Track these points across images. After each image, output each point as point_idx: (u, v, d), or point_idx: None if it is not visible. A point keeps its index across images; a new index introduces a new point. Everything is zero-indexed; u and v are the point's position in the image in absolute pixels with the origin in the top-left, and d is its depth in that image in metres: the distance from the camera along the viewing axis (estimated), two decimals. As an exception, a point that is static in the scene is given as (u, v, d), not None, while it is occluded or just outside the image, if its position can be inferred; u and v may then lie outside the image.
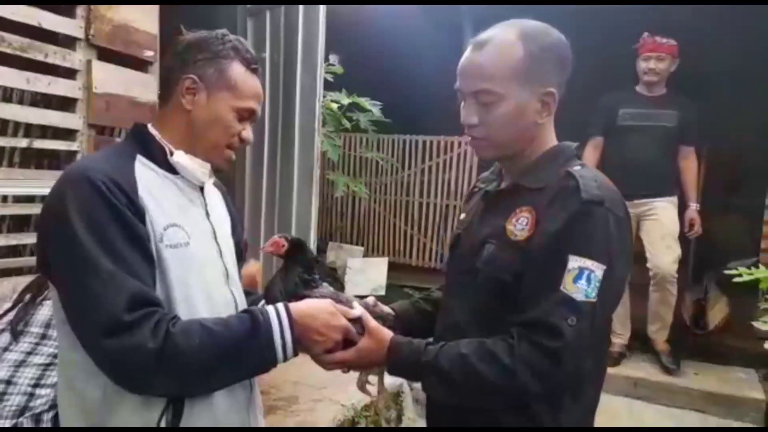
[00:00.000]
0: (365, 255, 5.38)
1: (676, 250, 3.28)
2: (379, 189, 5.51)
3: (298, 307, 1.06)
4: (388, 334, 1.12)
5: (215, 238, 1.15)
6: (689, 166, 3.41)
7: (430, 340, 1.13)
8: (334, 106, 4.21)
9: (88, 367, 0.95)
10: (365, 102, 4.24)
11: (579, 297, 0.96)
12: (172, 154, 1.09)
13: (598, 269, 0.96)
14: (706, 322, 3.61)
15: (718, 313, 3.62)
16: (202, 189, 1.16)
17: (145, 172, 1.05)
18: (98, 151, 1.13)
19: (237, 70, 1.10)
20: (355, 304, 1.16)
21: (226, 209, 1.29)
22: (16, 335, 1.48)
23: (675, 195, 3.41)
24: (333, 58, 4.08)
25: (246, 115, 1.12)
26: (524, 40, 1.04)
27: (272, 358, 1.01)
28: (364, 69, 4.51)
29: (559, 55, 1.08)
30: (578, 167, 1.06)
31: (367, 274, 4.96)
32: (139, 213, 0.98)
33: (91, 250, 0.91)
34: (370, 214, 5.59)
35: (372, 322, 1.13)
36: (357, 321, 1.12)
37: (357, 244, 5.51)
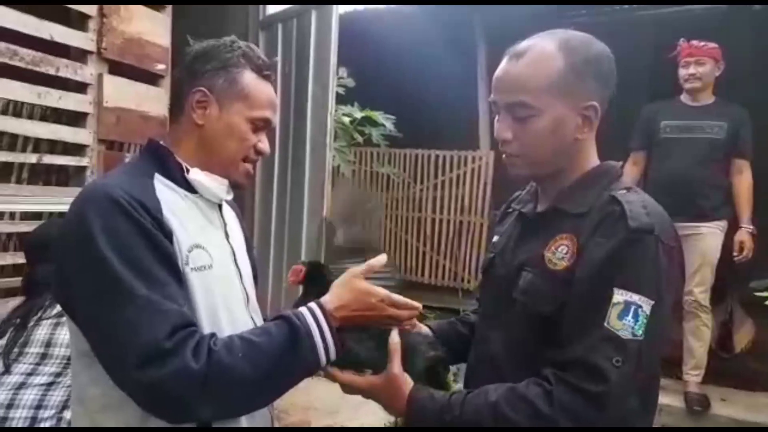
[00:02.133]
0: (376, 272, 5.28)
1: (709, 281, 3.06)
2: (391, 204, 5.43)
3: (328, 299, 0.98)
4: (407, 384, 1.02)
5: (235, 261, 1.10)
6: (742, 182, 3.04)
7: (454, 390, 1.04)
8: (346, 120, 4.16)
9: (109, 401, 0.89)
10: (378, 116, 4.19)
11: (625, 335, 0.87)
12: (188, 171, 1.03)
13: (645, 304, 0.88)
14: (732, 345, 3.47)
15: (744, 335, 3.49)
16: (220, 208, 1.11)
17: (165, 191, 0.99)
18: (114, 170, 1.07)
19: (248, 78, 1.04)
20: (393, 333, 1.06)
21: (241, 229, 1.23)
22: (7, 365, 1.42)
23: (724, 218, 3.08)
24: (342, 71, 4.05)
25: (261, 125, 1.07)
26: (565, 51, 0.97)
27: (316, 361, 0.94)
28: (376, 82, 4.47)
29: (601, 68, 1.00)
30: (623, 191, 0.98)
31: (378, 291, 4.86)
32: (166, 233, 0.93)
33: (121, 274, 0.84)
34: (381, 230, 5.50)
35: (396, 368, 1.02)
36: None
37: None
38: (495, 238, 1.20)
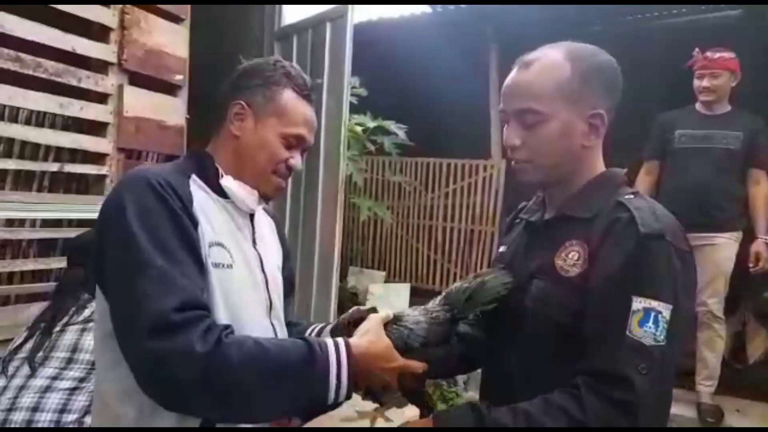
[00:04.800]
0: (387, 280, 5.30)
1: (723, 292, 3.05)
2: (402, 212, 5.45)
3: (357, 343, 0.97)
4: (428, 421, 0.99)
5: (261, 268, 1.12)
6: (759, 192, 3.02)
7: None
8: (359, 129, 4.20)
9: (124, 385, 0.91)
10: (390, 125, 4.22)
11: (648, 342, 0.88)
12: (222, 177, 1.08)
13: (665, 309, 0.89)
14: (746, 356, 3.44)
15: (758, 346, 3.46)
16: (252, 217, 1.14)
17: (198, 191, 1.04)
18: (157, 165, 1.12)
19: (287, 96, 1.10)
20: None
21: (278, 239, 1.26)
22: (33, 368, 1.46)
23: (739, 229, 3.07)
24: (354, 81, 4.09)
25: (294, 142, 1.10)
26: (572, 60, 1.00)
27: (322, 398, 0.91)
28: (389, 92, 4.51)
29: (608, 76, 1.03)
30: (630, 196, 1.00)
31: (388, 299, 4.88)
32: (193, 221, 0.97)
33: (145, 249, 0.88)
34: (392, 238, 5.52)
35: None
36: None
37: (379, 269, 5.44)
38: (501, 249, 1.21)
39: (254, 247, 1.12)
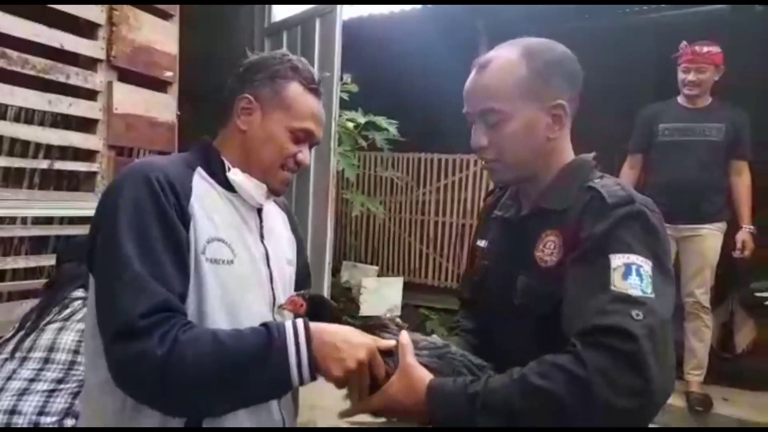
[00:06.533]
0: (380, 274, 5.32)
1: (709, 282, 3.09)
2: (394, 207, 5.48)
3: (318, 324, 0.94)
4: (426, 374, 0.94)
5: (267, 263, 1.10)
6: (741, 182, 3.07)
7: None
8: (350, 125, 4.21)
9: (107, 376, 0.89)
10: (382, 121, 4.23)
11: (635, 293, 0.83)
12: (230, 170, 1.08)
13: (645, 264, 0.86)
14: (734, 346, 3.49)
15: (745, 335, 3.51)
16: (260, 210, 1.13)
17: (202, 184, 1.03)
18: (165, 156, 1.11)
19: (294, 89, 1.08)
20: (404, 334, 1.01)
21: (291, 232, 1.25)
22: (13, 368, 1.44)
23: (723, 220, 3.11)
24: (346, 77, 4.10)
25: (302, 136, 1.09)
26: (527, 56, 1.02)
27: (286, 378, 0.88)
28: (380, 87, 4.52)
29: (565, 68, 1.04)
30: (598, 180, 1.00)
31: (381, 293, 4.90)
32: (185, 218, 0.96)
33: (126, 248, 0.88)
34: (385, 233, 5.54)
35: (408, 358, 0.95)
36: (390, 354, 0.97)
37: (371, 264, 5.46)
38: (482, 243, 1.20)
39: (261, 241, 1.11)
